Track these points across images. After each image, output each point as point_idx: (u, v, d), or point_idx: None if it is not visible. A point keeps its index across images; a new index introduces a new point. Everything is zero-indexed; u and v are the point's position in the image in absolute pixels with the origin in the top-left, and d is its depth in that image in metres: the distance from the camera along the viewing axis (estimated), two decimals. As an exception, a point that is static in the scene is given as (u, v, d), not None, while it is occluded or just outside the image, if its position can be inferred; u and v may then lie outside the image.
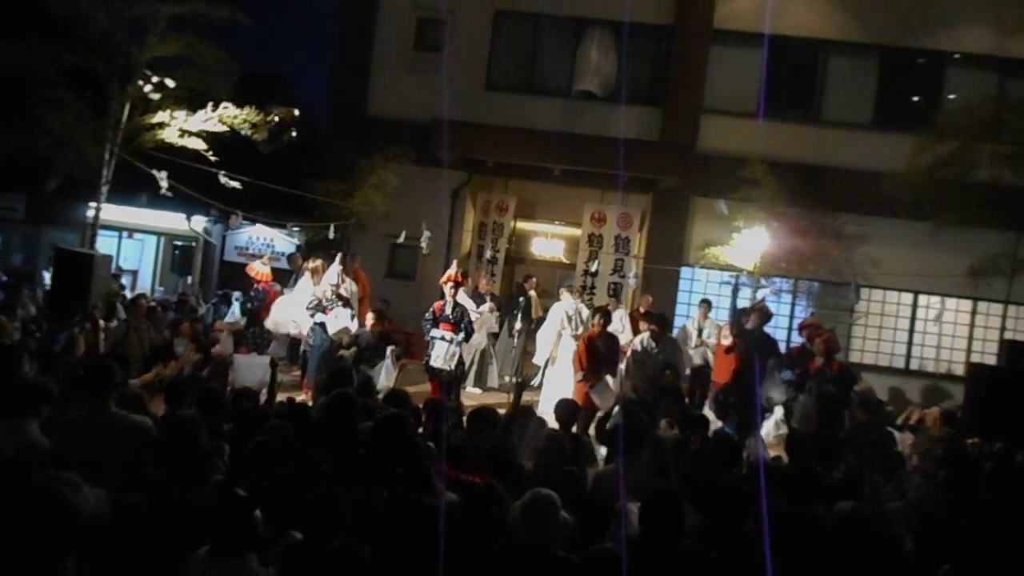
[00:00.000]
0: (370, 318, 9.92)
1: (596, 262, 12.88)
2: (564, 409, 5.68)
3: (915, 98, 13.53)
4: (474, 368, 9.91)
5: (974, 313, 12.89)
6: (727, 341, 9.25)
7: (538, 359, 10.01)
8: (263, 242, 15.49)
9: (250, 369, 7.69)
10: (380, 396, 6.16)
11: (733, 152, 12.39)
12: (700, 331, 10.14)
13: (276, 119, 11.87)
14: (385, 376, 8.88)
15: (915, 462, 6.00)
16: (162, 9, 8.99)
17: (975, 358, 12.38)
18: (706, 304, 10.64)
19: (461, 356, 8.66)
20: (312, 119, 21.39)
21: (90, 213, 9.81)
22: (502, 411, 6.95)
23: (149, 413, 4.34)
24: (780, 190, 11.72)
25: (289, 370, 9.52)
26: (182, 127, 9.52)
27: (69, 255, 7.99)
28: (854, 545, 3.32)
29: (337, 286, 9.05)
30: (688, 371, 9.47)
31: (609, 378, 8.06)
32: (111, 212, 11.59)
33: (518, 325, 10.50)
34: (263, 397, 6.50)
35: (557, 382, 8.97)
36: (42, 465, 3.20)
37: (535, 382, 10.04)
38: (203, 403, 4.46)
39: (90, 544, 2.59)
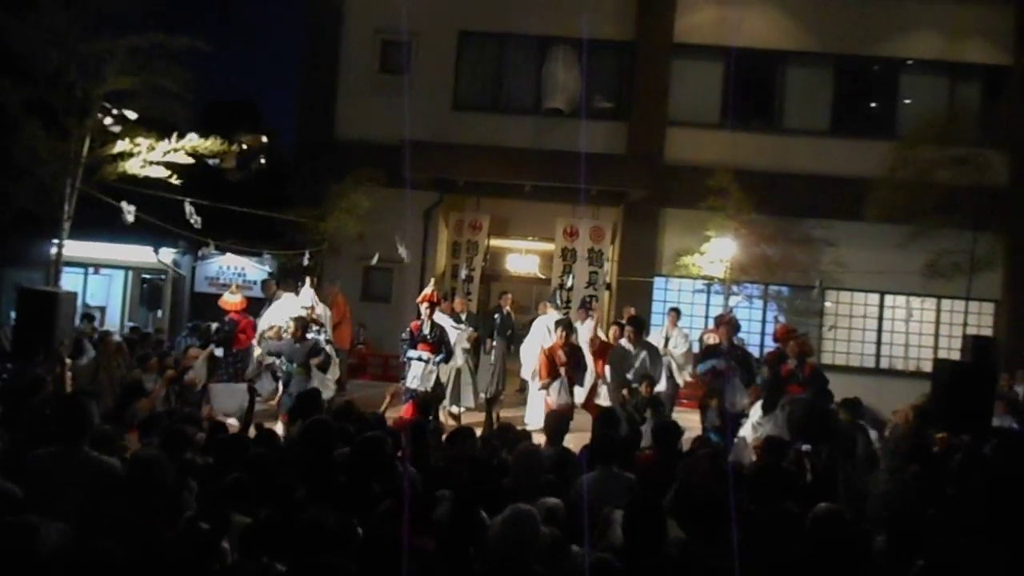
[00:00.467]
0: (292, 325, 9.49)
1: (571, 276, 12.98)
2: (553, 422, 5.71)
3: (871, 104, 13.90)
4: (449, 387, 9.89)
5: (939, 311, 13.18)
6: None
7: (524, 373, 10.11)
8: (234, 271, 15.34)
9: (228, 396, 7.60)
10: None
11: (699, 162, 12.60)
12: (667, 340, 9.90)
13: (243, 147, 11.81)
14: (229, 399, 8.09)
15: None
16: (119, 43, 8.91)
17: (942, 354, 12.64)
18: (674, 312, 10.36)
19: (439, 376, 8.65)
20: (280, 146, 21.31)
21: (53, 250, 9.66)
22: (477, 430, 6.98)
23: (120, 450, 4.29)
24: (746, 198, 11.93)
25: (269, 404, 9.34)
26: (145, 158, 9.41)
27: (33, 294, 7.89)
28: (832, 545, 3.38)
29: (311, 309, 8.98)
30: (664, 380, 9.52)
31: (577, 388, 8.21)
32: (76, 248, 11.41)
33: (494, 342, 10.51)
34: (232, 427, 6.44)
35: (543, 396, 9.00)
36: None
37: (504, 397, 10.11)
38: (170, 441, 4.43)
39: None
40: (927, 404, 8.33)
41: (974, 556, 3.59)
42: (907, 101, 13.57)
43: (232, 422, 7.23)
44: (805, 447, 5.90)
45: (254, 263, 14.86)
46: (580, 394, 8.52)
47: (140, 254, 14.90)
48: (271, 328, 8.86)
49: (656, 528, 3.25)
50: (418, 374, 8.23)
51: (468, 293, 13.19)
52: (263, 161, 20.03)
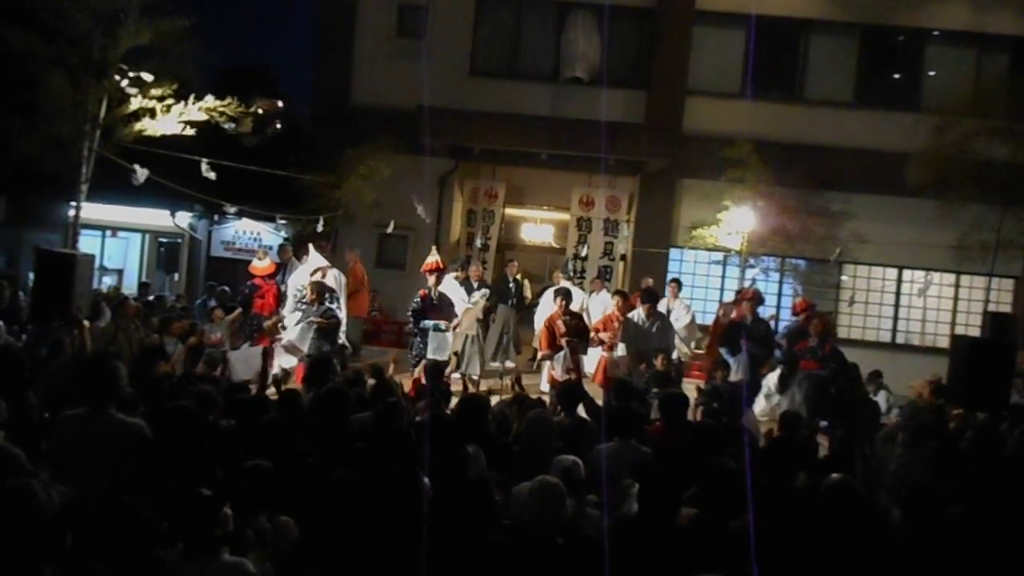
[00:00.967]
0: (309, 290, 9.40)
1: (586, 246, 12.93)
2: (563, 392, 5.72)
3: (896, 75, 13.61)
4: (466, 354, 9.94)
5: (957, 287, 13.05)
6: (727, 320, 9.32)
7: (536, 342, 10.14)
8: (250, 236, 15.41)
9: (244, 364, 7.63)
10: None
11: (719, 133, 12.44)
12: (668, 312, 9.64)
13: (259, 111, 11.72)
14: (245, 367, 7.63)
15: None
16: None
17: (959, 331, 12.54)
18: (675, 283, 10.17)
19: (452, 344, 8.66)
20: (296, 111, 21.20)
21: (71, 213, 9.71)
22: (494, 397, 7.01)
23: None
24: (766, 169, 11.80)
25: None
26: (161, 116, 9.40)
27: (51, 256, 7.91)
28: (843, 515, 3.38)
29: (323, 272, 8.94)
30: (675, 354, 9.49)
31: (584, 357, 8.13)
32: (93, 211, 11.47)
33: (509, 310, 10.52)
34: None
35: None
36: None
37: (515, 365, 10.12)
38: (197, 401, 4.47)
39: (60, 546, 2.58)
40: (944, 380, 8.30)
41: (987, 532, 3.59)
42: (931, 73, 13.28)
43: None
44: (823, 423, 5.90)
45: (270, 228, 14.90)
46: (587, 363, 8.44)
47: (157, 218, 14.97)
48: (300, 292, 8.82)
49: (669, 498, 3.27)
50: (438, 344, 8.20)
51: (484, 262, 13.17)
52: (279, 126, 19.96)
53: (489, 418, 5.11)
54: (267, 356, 7.25)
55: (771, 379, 8.52)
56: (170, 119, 9.47)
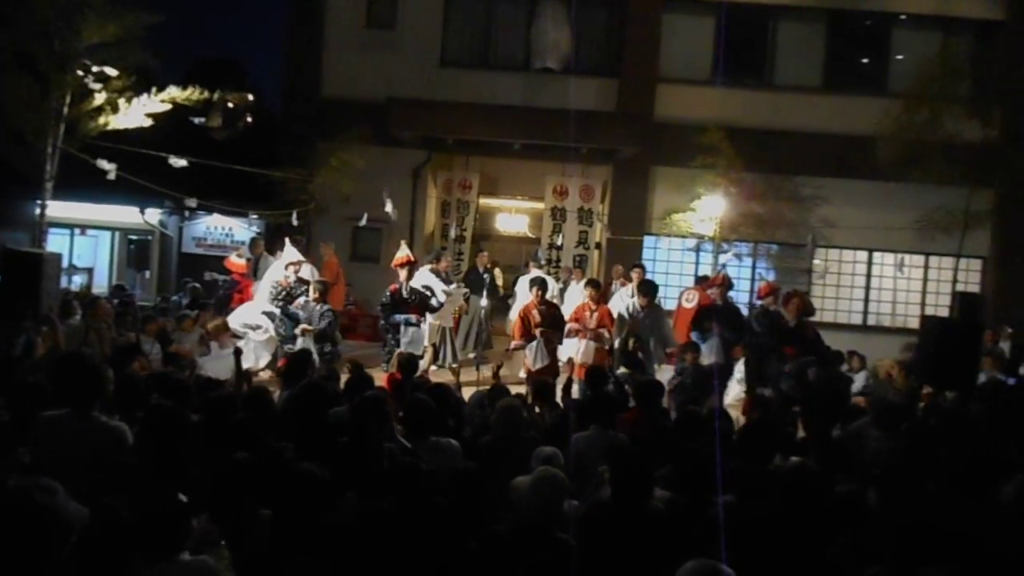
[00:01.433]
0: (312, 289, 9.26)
1: (560, 235, 12.96)
2: (537, 384, 5.73)
3: (863, 60, 13.76)
4: (444, 345, 9.93)
5: (927, 268, 13.27)
6: (690, 304, 9.36)
7: (510, 330, 10.17)
8: (221, 231, 15.23)
9: (216, 365, 7.52)
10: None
11: (690, 120, 12.49)
12: (633, 297, 9.74)
13: (229, 105, 11.58)
14: (215, 370, 7.29)
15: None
16: None
17: (929, 311, 12.76)
18: (640, 269, 9.68)
19: (428, 336, 8.64)
20: (267, 104, 20.95)
21: (38, 211, 9.54)
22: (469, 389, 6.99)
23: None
24: (737, 155, 11.89)
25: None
26: (125, 110, 9.22)
27: (17, 255, 7.80)
28: (802, 499, 3.41)
29: (297, 266, 8.83)
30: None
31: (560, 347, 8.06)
32: (61, 209, 11.29)
33: (483, 302, 10.51)
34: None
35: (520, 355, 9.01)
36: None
37: (488, 356, 10.12)
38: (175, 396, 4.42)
39: (68, 551, 2.55)
40: (912, 359, 8.44)
41: (960, 511, 3.66)
42: (899, 57, 13.45)
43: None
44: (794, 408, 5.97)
45: (241, 223, 14.75)
46: (563, 352, 8.42)
47: (126, 215, 14.75)
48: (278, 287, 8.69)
49: (641, 482, 3.30)
50: (412, 338, 8.17)
51: (459, 253, 13.15)
52: (250, 120, 19.71)
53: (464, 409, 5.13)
54: (239, 356, 7.16)
55: (741, 367, 8.59)
56: (134, 111, 9.31)
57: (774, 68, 13.55)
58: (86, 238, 16.16)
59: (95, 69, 8.98)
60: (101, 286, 15.15)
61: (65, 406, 3.61)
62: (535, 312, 7.93)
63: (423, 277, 9.08)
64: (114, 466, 3.39)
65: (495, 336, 11.15)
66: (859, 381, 9.04)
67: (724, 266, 12.17)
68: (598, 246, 13.40)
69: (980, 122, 10.89)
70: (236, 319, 8.75)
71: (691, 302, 9.72)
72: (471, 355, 10.00)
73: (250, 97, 21.53)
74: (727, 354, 7.96)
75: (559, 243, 12.91)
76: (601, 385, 5.82)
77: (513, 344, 8.18)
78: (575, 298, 10.15)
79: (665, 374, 7.86)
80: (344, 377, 6.21)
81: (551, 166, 13.36)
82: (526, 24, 13.43)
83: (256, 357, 8.61)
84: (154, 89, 9.36)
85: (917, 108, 10.86)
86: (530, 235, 15.22)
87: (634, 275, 9.53)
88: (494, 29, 13.69)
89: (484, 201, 14.14)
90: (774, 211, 12.54)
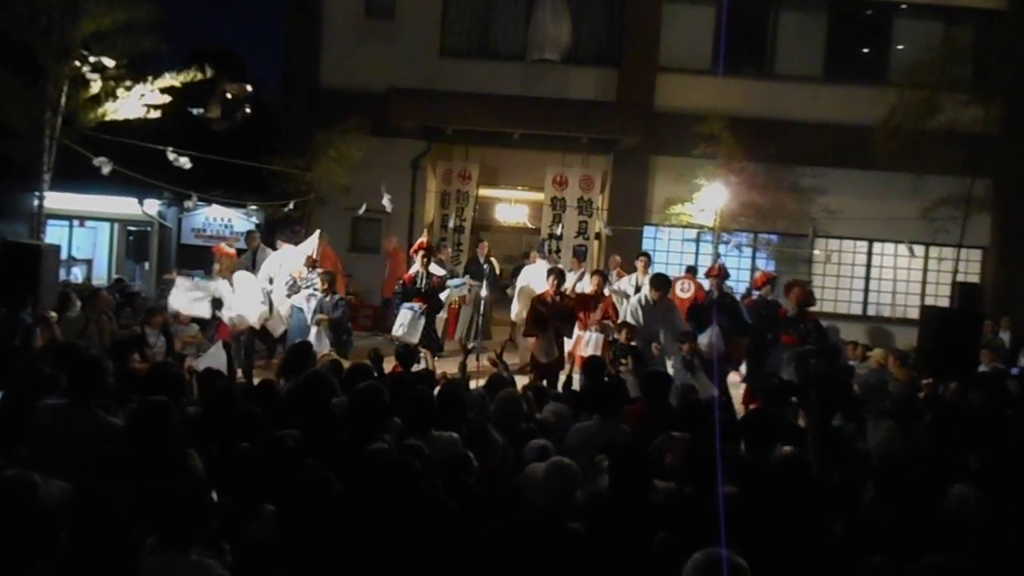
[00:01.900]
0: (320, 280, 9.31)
1: (560, 225, 12.94)
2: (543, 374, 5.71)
3: (864, 50, 13.70)
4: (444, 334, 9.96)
5: (927, 258, 13.26)
6: (685, 295, 9.34)
7: (513, 315, 10.33)
8: (221, 223, 15.19)
9: (210, 360, 7.49)
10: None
11: (690, 109, 12.45)
12: (638, 288, 9.24)
13: (228, 96, 11.53)
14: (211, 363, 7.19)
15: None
16: None
17: (929, 301, 12.76)
18: (645, 258, 9.70)
19: (433, 326, 8.62)
20: (265, 95, 20.86)
21: (36, 202, 9.50)
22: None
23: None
24: (738, 145, 11.85)
25: (268, 363, 9.27)
26: (123, 100, 9.17)
27: (15, 247, 7.81)
28: (796, 488, 3.40)
29: (314, 260, 8.87)
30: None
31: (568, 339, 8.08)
32: (60, 200, 11.25)
33: (484, 291, 10.52)
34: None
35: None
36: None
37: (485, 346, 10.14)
38: (170, 388, 4.41)
39: (55, 540, 2.54)
40: (912, 351, 8.45)
41: (960, 504, 3.65)
42: (900, 47, 13.39)
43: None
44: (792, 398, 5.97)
45: (241, 214, 14.71)
46: (569, 345, 8.43)
47: (125, 206, 14.70)
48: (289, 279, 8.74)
49: (640, 474, 3.30)
50: (404, 323, 8.16)
51: (459, 243, 13.13)
52: (248, 110, 19.64)
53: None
54: (229, 349, 7.18)
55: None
56: (131, 101, 9.25)
57: (775, 57, 13.49)
58: (85, 229, 16.12)
59: (92, 59, 8.92)
60: (100, 278, 15.12)
61: (64, 396, 3.62)
62: (548, 301, 7.87)
63: (434, 269, 9.07)
64: (105, 455, 3.38)
65: (494, 327, 11.16)
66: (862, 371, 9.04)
67: (719, 256, 12.18)
68: (598, 236, 13.38)
69: (981, 111, 10.84)
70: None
71: (687, 292, 9.69)
72: (470, 345, 10.00)
73: (248, 88, 21.45)
74: (726, 343, 7.95)
75: (559, 233, 12.89)
76: (599, 377, 5.81)
77: (523, 331, 8.15)
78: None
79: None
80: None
81: (551, 156, 13.32)
82: (526, 13, 13.36)
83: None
84: (150, 78, 9.29)
85: (917, 97, 10.82)
86: (530, 225, 15.19)
87: (639, 264, 9.54)
88: (494, 18, 13.61)
89: (483, 191, 14.10)
90: (774, 201, 12.52)
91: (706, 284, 9.18)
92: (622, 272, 10.24)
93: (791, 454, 3.57)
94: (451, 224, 12.97)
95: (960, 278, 12.05)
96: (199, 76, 9.68)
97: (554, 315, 7.84)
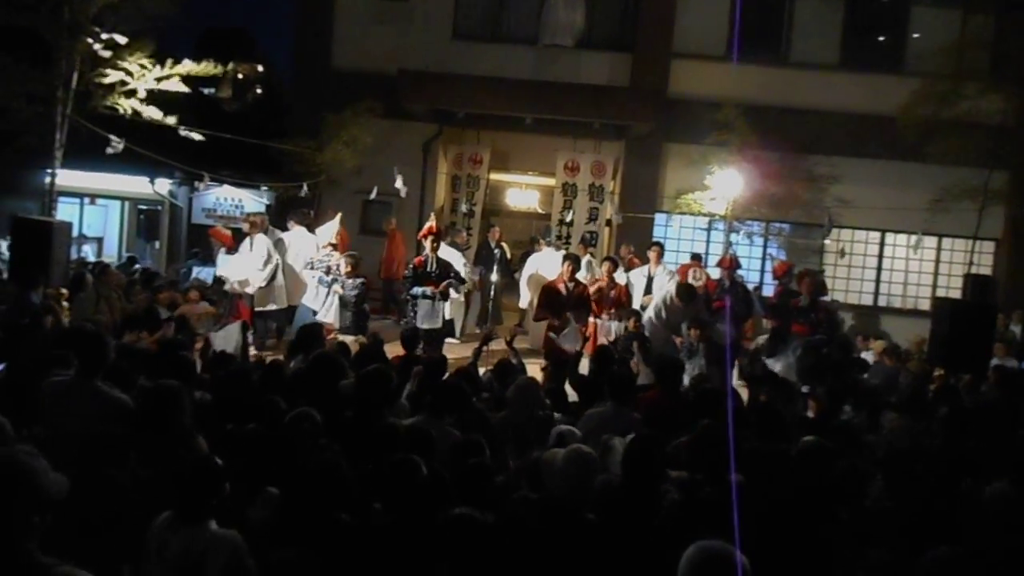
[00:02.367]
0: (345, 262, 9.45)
1: (571, 211, 12.88)
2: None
3: (881, 38, 13.53)
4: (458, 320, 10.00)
5: (939, 249, 13.15)
6: (697, 283, 9.32)
7: (523, 303, 10.34)
8: (232, 203, 15.20)
9: (224, 340, 7.52)
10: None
11: (704, 96, 12.34)
12: (650, 279, 9.20)
13: (239, 76, 11.50)
14: (224, 343, 7.18)
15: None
16: None
17: (940, 293, 12.67)
18: (658, 248, 9.61)
19: (444, 312, 8.64)
20: (277, 75, 20.81)
21: (48, 180, 9.53)
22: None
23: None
24: (752, 133, 11.74)
25: (278, 343, 9.34)
26: (137, 87, 9.17)
27: (27, 224, 7.86)
28: (817, 478, 3.40)
29: (335, 245, 9.00)
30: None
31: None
32: (70, 178, 11.26)
33: (494, 277, 10.54)
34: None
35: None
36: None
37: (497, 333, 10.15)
38: (179, 371, 4.42)
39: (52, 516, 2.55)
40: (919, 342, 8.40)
41: (966, 498, 3.64)
42: (916, 35, 13.21)
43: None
44: (804, 388, 5.95)
45: (251, 195, 14.72)
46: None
47: (136, 184, 14.72)
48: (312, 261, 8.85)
49: (651, 464, 3.28)
50: (427, 312, 8.15)
51: (469, 228, 13.11)
52: (259, 91, 19.61)
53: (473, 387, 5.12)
54: (245, 330, 7.20)
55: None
56: (147, 83, 9.24)
57: (790, 45, 13.33)
58: (96, 207, 16.17)
59: (104, 36, 8.90)
60: (111, 256, 15.18)
61: (69, 372, 3.65)
62: (561, 287, 7.81)
63: (445, 253, 9.05)
64: (113, 437, 3.40)
65: (505, 312, 11.17)
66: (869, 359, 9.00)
67: (731, 245, 12.11)
68: (608, 223, 13.32)
69: (999, 100, 10.69)
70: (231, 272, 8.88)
71: (698, 280, 9.64)
72: (478, 330, 10.03)
73: (260, 68, 21.42)
74: (737, 328, 7.94)
75: (569, 219, 12.84)
76: (608, 364, 5.80)
77: (534, 316, 8.14)
78: (581, 275, 10.12)
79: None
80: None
81: (563, 141, 13.24)
82: (539, -4, 13.23)
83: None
84: (170, 61, 9.29)
85: (934, 86, 10.68)
86: (540, 211, 15.15)
87: (651, 255, 9.50)
88: (507, 2, 13.49)
89: (495, 176, 14.05)
90: (788, 190, 12.39)
91: (716, 274, 9.13)
92: (634, 261, 10.19)
93: (811, 444, 3.54)
94: (462, 209, 12.93)
95: (973, 270, 11.93)
96: (216, 68, 9.69)
97: (568, 302, 7.79)
